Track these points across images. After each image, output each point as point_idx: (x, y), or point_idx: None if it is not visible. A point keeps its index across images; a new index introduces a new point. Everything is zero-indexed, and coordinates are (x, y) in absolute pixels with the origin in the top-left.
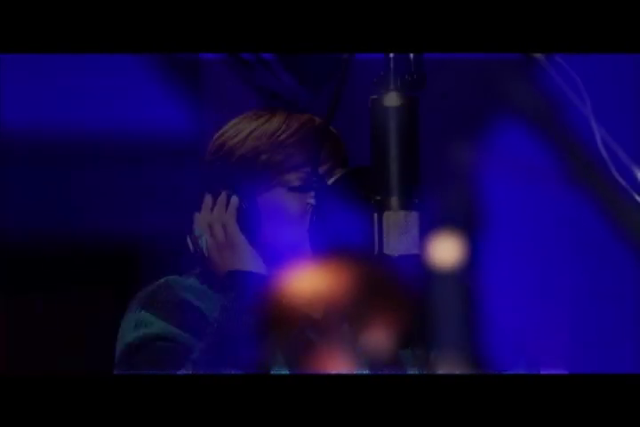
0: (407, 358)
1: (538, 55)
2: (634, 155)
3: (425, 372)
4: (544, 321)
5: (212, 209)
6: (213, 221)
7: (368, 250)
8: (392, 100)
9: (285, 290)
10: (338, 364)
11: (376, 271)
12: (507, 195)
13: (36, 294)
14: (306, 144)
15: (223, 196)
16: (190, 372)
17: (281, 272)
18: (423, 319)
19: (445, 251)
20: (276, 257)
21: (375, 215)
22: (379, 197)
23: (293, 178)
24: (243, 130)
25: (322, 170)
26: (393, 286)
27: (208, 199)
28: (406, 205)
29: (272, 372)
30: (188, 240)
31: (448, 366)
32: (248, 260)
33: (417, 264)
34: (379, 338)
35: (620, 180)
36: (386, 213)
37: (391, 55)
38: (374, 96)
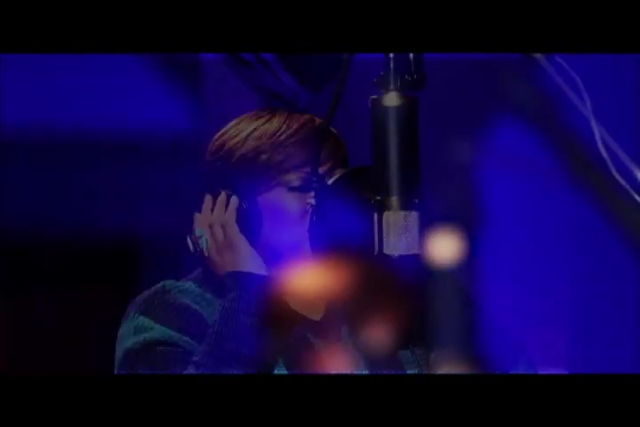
0: (407, 358)
1: (538, 55)
2: (634, 155)
3: (425, 372)
4: (544, 321)
5: (211, 209)
6: (213, 222)
7: (368, 250)
8: (392, 100)
9: (285, 290)
10: (338, 364)
11: (376, 271)
12: (507, 194)
13: (36, 293)
14: (306, 144)
15: (223, 196)
16: (193, 373)
17: (281, 272)
18: (423, 319)
19: (445, 250)
20: (276, 257)
21: (375, 215)
22: (379, 197)
23: (293, 178)
24: (243, 130)
25: (322, 170)
26: (393, 286)
27: (208, 200)
28: (406, 205)
29: (272, 372)
30: (189, 241)
31: (448, 366)
32: (248, 260)
33: (417, 264)
34: (378, 338)
35: (620, 180)
36: (386, 213)
37: (391, 55)
38: (374, 96)
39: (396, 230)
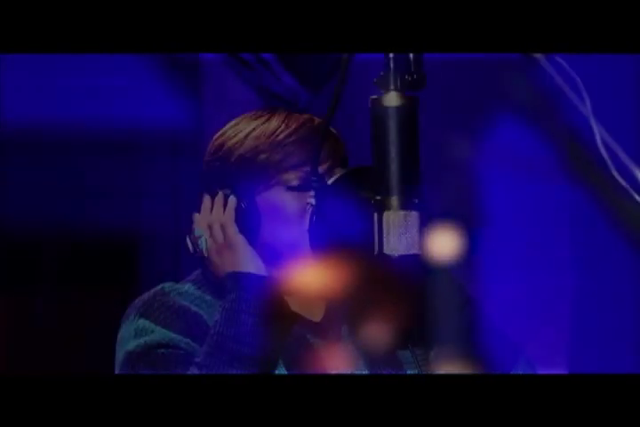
0: (407, 358)
1: (538, 55)
2: (634, 155)
3: (425, 372)
4: (544, 321)
5: (210, 210)
6: (212, 222)
7: (368, 250)
8: (392, 100)
9: (285, 291)
10: (337, 364)
11: (376, 271)
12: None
13: (37, 294)
14: (305, 143)
15: (221, 196)
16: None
17: (281, 273)
18: (423, 319)
19: (445, 250)
20: (276, 257)
21: (375, 215)
22: (379, 197)
23: (292, 177)
24: (242, 130)
25: (321, 169)
26: (393, 286)
27: (207, 200)
28: (406, 205)
29: (272, 372)
30: (188, 241)
31: (448, 365)
32: (247, 260)
33: (417, 264)
34: (378, 338)
35: (620, 180)
36: (386, 213)
37: (391, 55)
38: (374, 96)
39: (396, 230)
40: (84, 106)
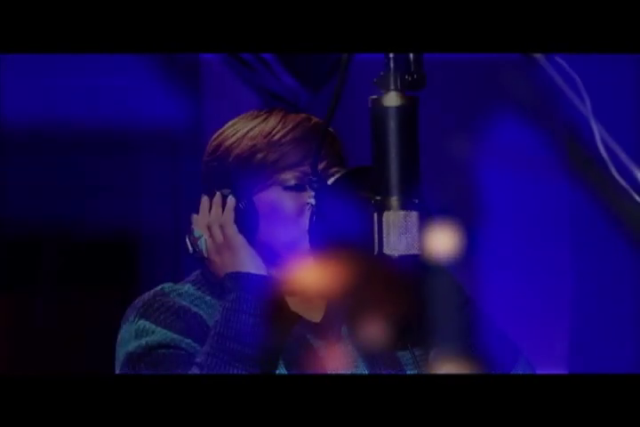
0: (406, 358)
1: (538, 55)
2: (634, 155)
3: (424, 372)
4: (544, 321)
5: (209, 210)
6: (211, 222)
7: (368, 250)
8: (392, 100)
9: (285, 291)
10: (337, 364)
11: (376, 271)
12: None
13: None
14: (302, 143)
15: (220, 196)
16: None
17: (281, 273)
18: (422, 319)
19: (445, 250)
20: (275, 257)
21: (375, 215)
22: (379, 197)
23: (289, 177)
24: (239, 130)
25: (318, 168)
26: (393, 286)
27: (205, 200)
28: (406, 205)
29: (272, 372)
30: (187, 242)
31: (447, 366)
32: (247, 260)
33: (417, 264)
34: (378, 338)
35: (620, 180)
36: (386, 213)
37: (391, 55)
38: (374, 96)
39: (396, 230)
40: (83, 106)
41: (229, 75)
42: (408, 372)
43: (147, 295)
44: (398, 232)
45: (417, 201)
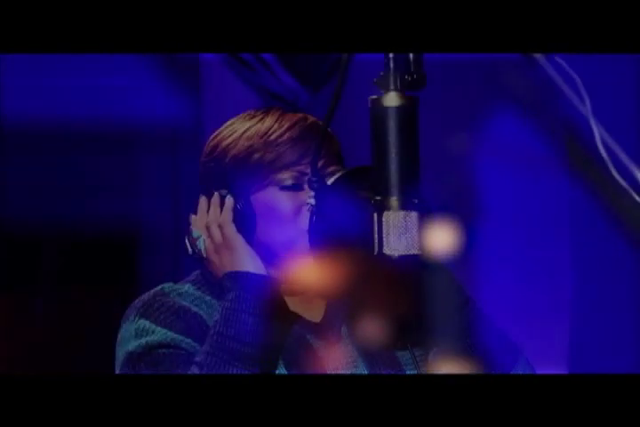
0: (406, 358)
1: (538, 55)
2: (634, 155)
3: (424, 372)
4: (544, 321)
5: (207, 210)
6: (210, 222)
7: (368, 250)
8: (392, 100)
9: (285, 291)
10: (337, 364)
11: (376, 271)
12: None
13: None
14: (298, 143)
15: (217, 196)
16: (197, 374)
17: (280, 273)
18: (422, 319)
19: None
20: (274, 257)
21: (375, 215)
22: (379, 197)
23: (286, 177)
24: (236, 130)
25: (310, 166)
26: (393, 286)
27: (203, 201)
28: (406, 206)
29: (272, 372)
30: (187, 242)
31: (447, 366)
32: (246, 260)
33: (417, 264)
34: (378, 338)
35: (620, 180)
36: (386, 213)
37: (391, 55)
38: (374, 96)
39: (395, 230)
40: (84, 106)
41: (229, 75)
42: (408, 372)
43: (147, 295)
44: (398, 232)
45: (417, 201)
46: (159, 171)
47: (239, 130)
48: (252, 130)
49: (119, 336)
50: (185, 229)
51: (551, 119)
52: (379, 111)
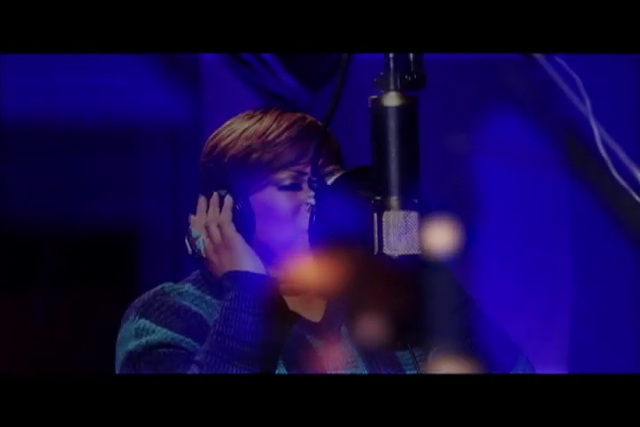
0: (406, 358)
1: (538, 55)
2: (634, 155)
3: (424, 372)
4: (544, 321)
5: (206, 211)
6: (209, 222)
7: (368, 250)
8: (392, 100)
9: (284, 291)
10: (337, 364)
11: (376, 271)
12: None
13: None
14: (296, 142)
15: (216, 196)
16: (196, 373)
17: (279, 273)
18: (422, 319)
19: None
20: (273, 257)
21: (375, 215)
22: (379, 198)
23: (284, 177)
24: (235, 130)
25: (310, 166)
26: (393, 286)
27: (202, 201)
28: (406, 206)
29: (272, 371)
30: (186, 242)
31: (447, 366)
32: (246, 259)
33: (417, 264)
34: (377, 338)
35: (620, 180)
36: (386, 213)
37: (391, 55)
38: (374, 96)
39: (396, 230)
40: (83, 106)
41: (229, 75)
42: (407, 372)
43: (147, 295)
44: (398, 232)
45: (417, 201)
46: (159, 171)
47: (238, 130)
48: (251, 130)
49: (119, 336)
50: (185, 228)
51: (551, 119)
52: (379, 111)
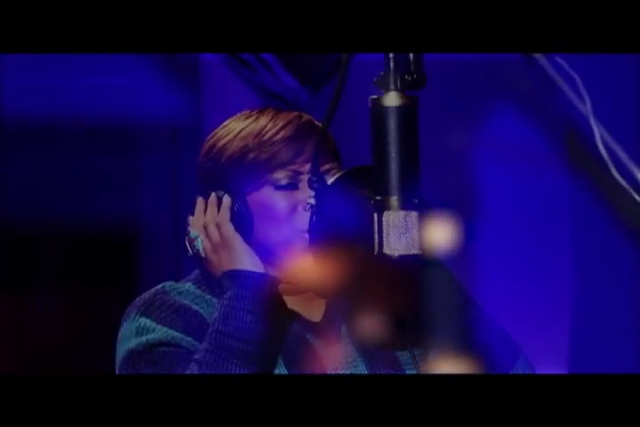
0: (406, 358)
1: (538, 55)
2: (634, 155)
3: (423, 372)
4: (544, 321)
5: (204, 211)
6: (208, 222)
7: (368, 250)
8: (392, 100)
9: (284, 290)
10: (337, 364)
11: (376, 271)
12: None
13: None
14: (292, 141)
15: (214, 196)
16: (196, 372)
17: (279, 272)
18: (422, 319)
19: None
20: (272, 257)
21: (375, 215)
22: (379, 197)
23: (281, 176)
24: (232, 130)
25: (310, 166)
26: (393, 286)
27: (201, 201)
28: (406, 205)
29: (272, 370)
30: (186, 243)
31: (447, 366)
32: (244, 258)
33: (417, 264)
34: (377, 338)
35: (620, 180)
36: (386, 213)
37: (391, 55)
38: (374, 96)
39: (396, 230)
40: (83, 106)
41: (229, 75)
42: (407, 371)
43: (147, 294)
44: (398, 232)
45: (417, 201)
46: (159, 171)
47: (234, 130)
48: (247, 130)
49: (120, 334)
50: (185, 228)
51: (551, 119)
52: (379, 111)
